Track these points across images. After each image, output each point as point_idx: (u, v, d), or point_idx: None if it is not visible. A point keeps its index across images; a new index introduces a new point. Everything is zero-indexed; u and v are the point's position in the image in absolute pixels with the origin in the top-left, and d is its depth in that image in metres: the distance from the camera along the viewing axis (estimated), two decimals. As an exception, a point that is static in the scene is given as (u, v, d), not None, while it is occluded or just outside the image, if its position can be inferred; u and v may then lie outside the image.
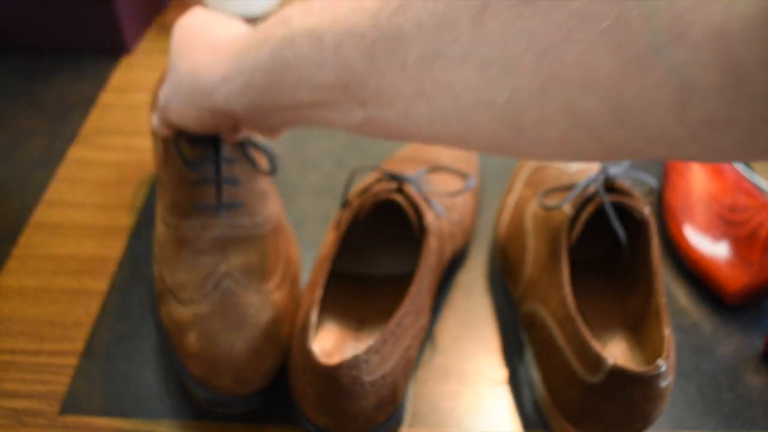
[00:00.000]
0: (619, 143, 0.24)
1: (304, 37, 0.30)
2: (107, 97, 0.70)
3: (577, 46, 0.22)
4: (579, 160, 0.26)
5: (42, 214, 0.57)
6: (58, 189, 0.59)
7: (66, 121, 0.67)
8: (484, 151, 0.28)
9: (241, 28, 0.42)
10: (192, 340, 0.40)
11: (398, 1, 0.26)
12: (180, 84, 0.39)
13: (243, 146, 0.46)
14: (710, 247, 0.51)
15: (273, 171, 0.48)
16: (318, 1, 0.31)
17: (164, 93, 0.42)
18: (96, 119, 0.67)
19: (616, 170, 0.44)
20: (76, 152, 0.63)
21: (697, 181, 0.55)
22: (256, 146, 0.47)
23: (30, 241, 0.55)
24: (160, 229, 0.46)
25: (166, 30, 0.81)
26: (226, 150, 0.45)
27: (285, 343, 0.41)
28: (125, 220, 0.56)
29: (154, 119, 0.47)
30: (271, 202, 0.48)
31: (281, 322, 0.42)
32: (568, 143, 0.25)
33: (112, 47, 0.75)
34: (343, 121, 0.32)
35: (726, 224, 0.51)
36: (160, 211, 0.46)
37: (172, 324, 0.42)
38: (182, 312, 0.41)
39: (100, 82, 0.72)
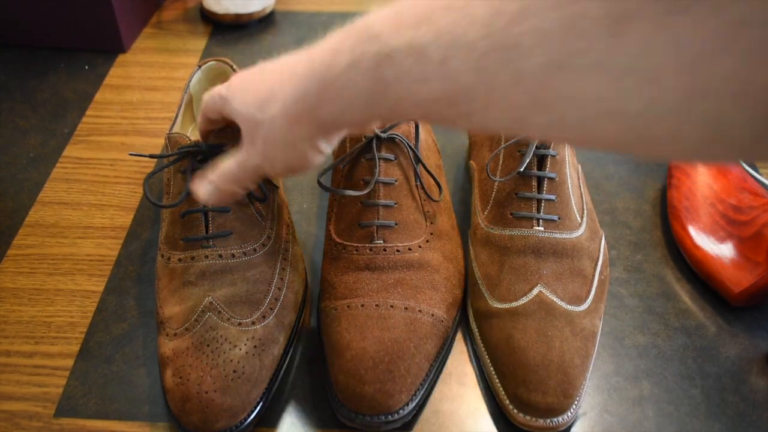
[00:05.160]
0: (763, 153, 0.23)
1: (404, 52, 0.28)
2: (103, 95, 0.69)
3: (732, 57, 0.20)
4: (705, 162, 0.25)
5: (37, 213, 0.56)
6: (53, 188, 0.59)
7: (62, 120, 0.66)
8: (602, 152, 0.27)
9: (293, 56, 0.37)
10: (168, 375, 0.40)
11: (516, 10, 0.24)
12: (273, 130, 0.36)
13: None
14: (714, 246, 0.50)
15: (263, 198, 0.47)
16: (405, 12, 0.29)
17: (252, 155, 0.38)
18: (92, 118, 0.66)
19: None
20: (71, 151, 0.62)
21: (701, 181, 0.54)
22: None
23: (25, 241, 0.54)
24: (159, 260, 0.46)
25: (162, 28, 0.80)
26: None
27: (262, 377, 0.41)
28: (121, 219, 0.56)
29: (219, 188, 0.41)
30: (269, 224, 0.47)
31: (260, 356, 0.41)
32: (701, 152, 0.24)
33: (108, 45, 0.74)
34: (452, 125, 0.30)
35: (730, 224, 0.50)
36: (159, 242, 0.47)
37: (159, 357, 0.42)
38: (166, 346, 0.42)
39: (96, 80, 0.71)
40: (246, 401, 0.39)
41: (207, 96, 0.42)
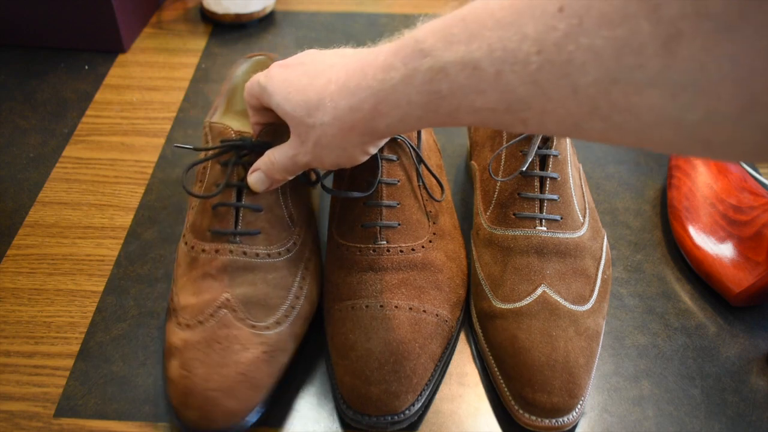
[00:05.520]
0: None
1: (457, 67, 0.29)
2: (103, 95, 0.69)
3: None
4: (764, 162, 0.26)
5: (37, 213, 0.56)
6: (53, 188, 0.59)
7: (61, 120, 0.66)
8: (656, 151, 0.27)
9: (336, 58, 0.38)
10: (174, 365, 0.40)
11: (567, 28, 0.25)
12: (325, 135, 0.37)
13: None
14: (714, 246, 0.50)
15: (314, 182, 0.48)
16: (454, 28, 0.30)
17: (302, 153, 0.40)
18: (92, 118, 0.66)
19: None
20: (71, 151, 0.62)
21: (701, 181, 0.54)
22: None
23: (25, 242, 0.54)
24: (181, 247, 0.46)
25: (162, 28, 0.80)
26: None
27: (267, 384, 0.40)
28: (121, 219, 0.56)
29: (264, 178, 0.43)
30: (297, 231, 0.46)
31: (269, 363, 0.41)
32: (758, 155, 0.25)
33: (108, 45, 0.74)
34: (507, 129, 0.31)
35: (731, 224, 0.51)
36: (184, 228, 0.47)
37: (166, 345, 0.42)
38: (176, 335, 0.41)
39: (96, 80, 0.71)
40: (247, 406, 0.39)
41: (248, 84, 0.43)
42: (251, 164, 0.44)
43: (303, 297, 0.45)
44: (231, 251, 0.43)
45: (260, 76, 0.41)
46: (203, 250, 0.44)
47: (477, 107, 0.30)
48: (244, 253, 0.43)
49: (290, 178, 0.43)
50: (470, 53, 0.28)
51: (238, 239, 0.44)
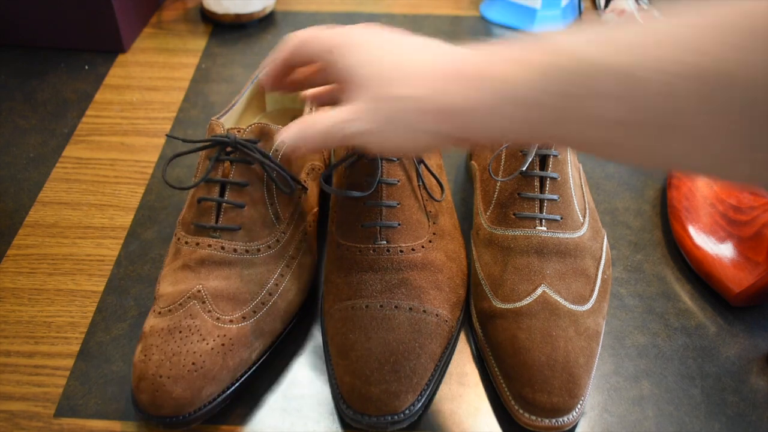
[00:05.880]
0: None
1: (601, 72, 0.27)
2: (103, 95, 0.69)
3: None
4: None
5: (37, 213, 0.56)
6: (53, 188, 0.59)
7: (62, 120, 0.66)
8: None
9: (445, 48, 0.35)
10: (138, 350, 0.41)
11: (743, 37, 0.23)
12: (402, 110, 0.34)
13: (264, 169, 0.45)
14: (714, 247, 0.50)
15: (289, 192, 0.47)
16: (604, 31, 0.28)
17: (360, 122, 0.35)
18: (92, 118, 0.66)
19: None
20: (71, 151, 0.62)
21: (701, 181, 0.54)
22: (280, 169, 0.46)
23: (25, 241, 0.54)
24: (173, 238, 0.47)
25: (162, 28, 0.80)
26: (238, 173, 0.45)
27: (222, 377, 0.41)
28: (121, 219, 0.56)
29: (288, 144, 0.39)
30: (282, 229, 0.47)
31: (225, 355, 0.41)
32: None
33: (108, 45, 0.74)
34: (627, 159, 0.29)
35: (730, 224, 0.51)
36: (178, 221, 0.48)
37: (141, 330, 0.43)
38: (148, 322, 0.42)
39: (96, 80, 0.71)
40: (197, 396, 0.39)
41: (301, 38, 0.39)
42: (237, 161, 0.45)
43: (277, 294, 0.45)
44: (210, 245, 0.44)
45: (334, 37, 0.37)
46: (186, 242, 0.45)
47: (609, 119, 0.28)
48: (222, 248, 0.44)
49: (319, 146, 0.37)
50: (621, 59, 0.27)
51: (217, 234, 0.44)
